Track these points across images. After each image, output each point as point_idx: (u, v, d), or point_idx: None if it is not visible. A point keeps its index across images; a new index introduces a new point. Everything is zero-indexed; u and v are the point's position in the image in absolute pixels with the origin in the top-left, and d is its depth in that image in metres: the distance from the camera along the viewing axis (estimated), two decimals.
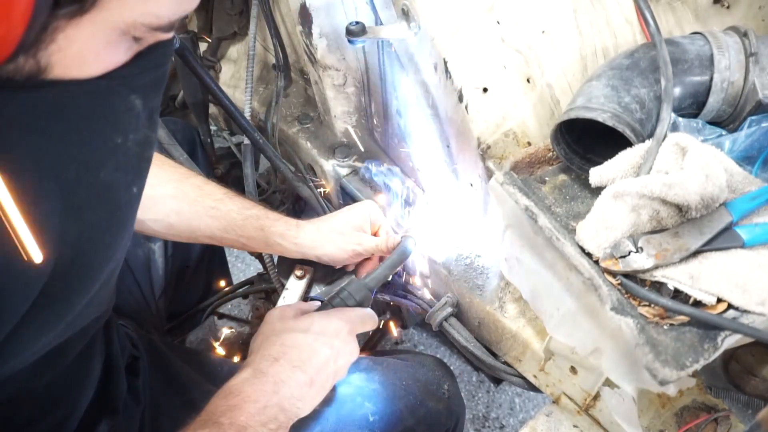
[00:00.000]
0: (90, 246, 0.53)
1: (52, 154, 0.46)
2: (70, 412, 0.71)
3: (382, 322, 1.35)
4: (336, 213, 0.96)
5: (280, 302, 0.94)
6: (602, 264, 0.63)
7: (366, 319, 0.78)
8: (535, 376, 0.88)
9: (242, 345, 1.25)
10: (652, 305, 0.60)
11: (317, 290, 1.00)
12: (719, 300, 0.58)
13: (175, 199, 0.89)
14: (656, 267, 0.60)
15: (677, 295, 0.60)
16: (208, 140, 1.43)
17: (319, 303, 0.82)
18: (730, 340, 0.57)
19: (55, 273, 0.50)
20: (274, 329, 0.72)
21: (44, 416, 0.67)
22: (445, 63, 0.77)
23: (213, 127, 1.59)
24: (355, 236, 0.92)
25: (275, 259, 1.14)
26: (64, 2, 0.37)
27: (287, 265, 1.01)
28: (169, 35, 0.49)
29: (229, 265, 1.58)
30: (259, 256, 1.16)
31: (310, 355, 0.70)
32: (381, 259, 0.98)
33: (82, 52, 0.42)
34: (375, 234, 0.97)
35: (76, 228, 0.50)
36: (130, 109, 0.50)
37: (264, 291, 1.29)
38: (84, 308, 0.60)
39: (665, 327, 0.58)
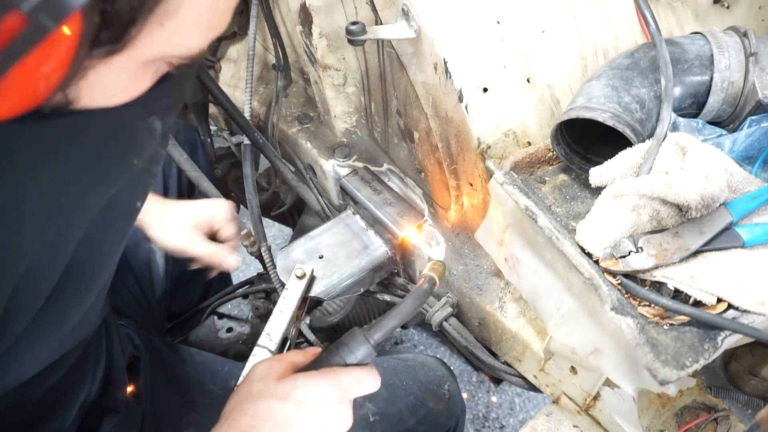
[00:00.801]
0: (87, 257, 0.53)
1: (73, 181, 0.47)
2: (67, 417, 0.71)
3: None
4: (189, 202, 0.94)
5: (280, 302, 0.94)
6: (602, 264, 0.63)
7: (365, 381, 0.62)
8: (535, 376, 0.88)
9: (242, 345, 1.25)
10: (652, 305, 0.60)
11: (317, 290, 1.00)
12: (719, 300, 0.58)
13: None
14: (656, 267, 0.60)
15: (677, 295, 0.60)
16: (208, 140, 1.43)
17: (319, 349, 0.70)
18: (730, 340, 0.57)
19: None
20: (251, 393, 0.61)
21: (41, 423, 0.67)
22: (445, 63, 0.77)
23: (213, 127, 1.59)
24: (187, 234, 0.90)
25: (275, 259, 1.14)
26: (100, 44, 0.36)
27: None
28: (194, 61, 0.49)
29: None
30: (259, 256, 1.16)
31: (285, 429, 0.59)
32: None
33: (110, 85, 0.41)
34: (214, 235, 0.94)
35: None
36: (150, 132, 0.51)
37: (264, 291, 1.29)
38: (80, 322, 0.60)
39: (665, 327, 0.58)
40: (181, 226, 0.90)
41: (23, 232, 0.45)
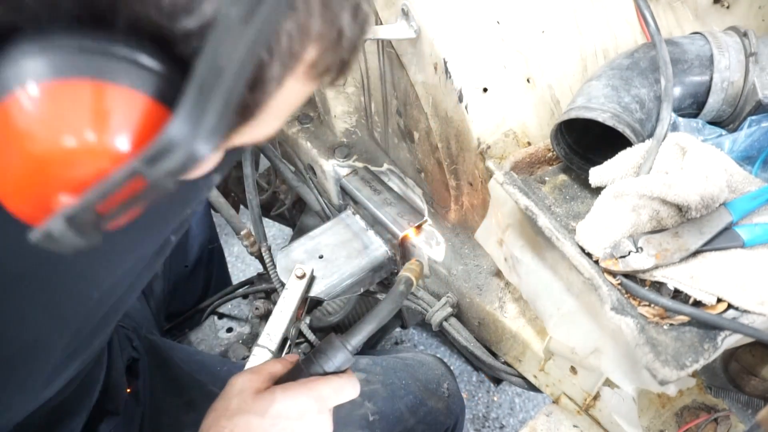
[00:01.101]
0: (123, 291, 0.56)
1: (139, 241, 0.51)
2: (77, 422, 0.72)
3: None
4: None
5: (280, 302, 0.94)
6: (602, 264, 0.63)
7: (343, 389, 0.63)
8: (535, 376, 0.88)
9: (242, 345, 1.25)
10: (652, 305, 0.60)
11: (317, 290, 1.00)
12: (719, 300, 0.58)
13: None
14: (656, 267, 0.60)
15: (677, 295, 0.60)
16: None
17: (297, 357, 0.70)
18: (730, 340, 0.57)
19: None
20: (228, 408, 0.60)
21: (53, 428, 0.68)
22: (445, 63, 0.77)
23: None
24: None
25: (275, 259, 1.14)
26: None
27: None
28: None
29: (229, 265, 1.58)
30: (259, 256, 1.16)
31: None
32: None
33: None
34: None
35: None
36: (209, 186, 0.53)
37: (264, 291, 1.29)
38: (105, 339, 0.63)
39: (665, 327, 0.58)
40: None
41: (83, 288, 0.48)
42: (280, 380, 0.64)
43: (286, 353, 0.93)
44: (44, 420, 0.66)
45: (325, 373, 0.63)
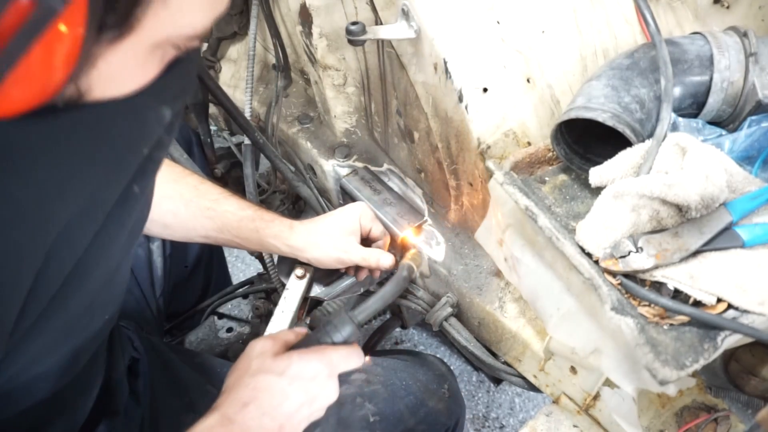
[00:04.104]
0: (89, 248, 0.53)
1: (92, 176, 0.47)
2: (77, 419, 0.71)
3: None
4: (329, 215, 0.95)
5: (281, 302, 0.94)
6: (602, 264, 0.63)
7: (350, 358, 0.70)
8: (535, 376, 0.88)
9: (242, 345, 1.25)
10: (652, 305, 0.60)
11: (317, 290, 1.00)
12: (719, 300, 0.58)
13: (170, 200, 0.89)
14: (656, 267, 0.60)
15: (677, 295, 0.60)
16: (208, 140, 1.43)
17: (305, 330, 0.77)
18: (730, 340, 0.57)
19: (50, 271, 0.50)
20: (249, 368, 0.67)
21: (51, 424, 0.67)
22: (445, 63, 0.77)
23: (213, 127, 1.59)
24: (342, 242, 0.92)
25: (275, 259, 1.14)
26: (106, 28, 0.37)
27: (287, 265, 1.01)
28: (199, 43, 0.49)
29: (229, 265, 1.58)
30: (259, 256, 1.16)
31: (282, 400, 0.66)
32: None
33: (120, 72, 0.42)
34: (366, 236, 0.96)
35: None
36: (160, 121, 0.51)
37: (264, 291, 1.29)
38: (85, 312, 0.60)
39: (665, 327, 0.58)
40: (333, 238, 0.92)
41: (41, 228, 0.46)
42: (293, 347, 0.71)
43: None
44: (41, 416, 0.65)
45: (334, 343, 0.71)
